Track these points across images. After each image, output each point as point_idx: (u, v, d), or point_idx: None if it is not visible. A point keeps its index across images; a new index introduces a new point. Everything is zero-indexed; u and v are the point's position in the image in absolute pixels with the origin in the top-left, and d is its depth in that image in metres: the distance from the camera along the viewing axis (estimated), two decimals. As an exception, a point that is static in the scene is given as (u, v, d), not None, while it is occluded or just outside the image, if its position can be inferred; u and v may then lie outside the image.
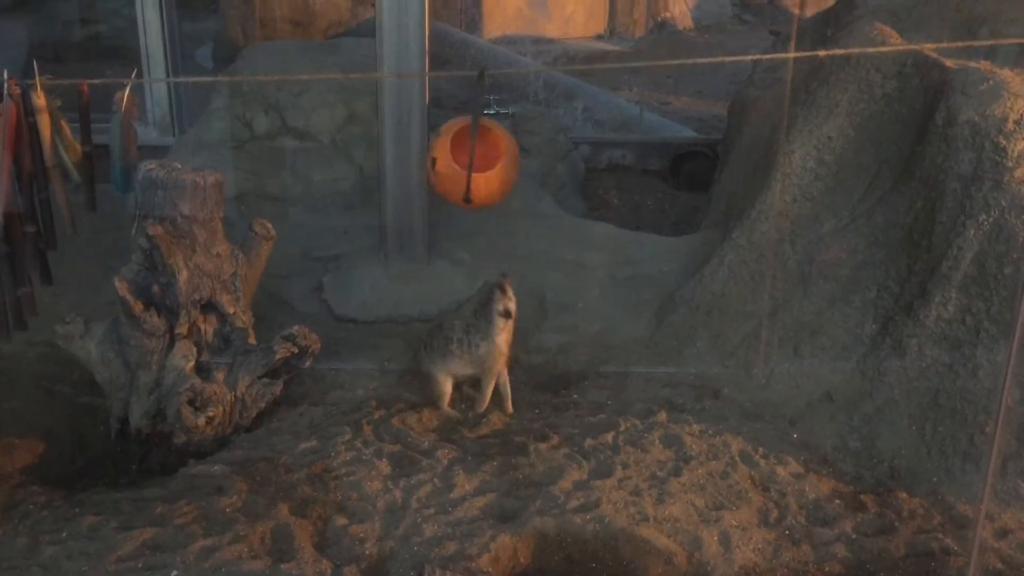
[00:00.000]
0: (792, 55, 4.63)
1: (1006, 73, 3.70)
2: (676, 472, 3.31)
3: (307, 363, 3.70)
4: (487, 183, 3.60)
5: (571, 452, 3.40)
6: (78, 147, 3.43)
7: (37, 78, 3.27)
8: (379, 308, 4.43)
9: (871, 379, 3.65)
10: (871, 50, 3.98)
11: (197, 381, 3.43)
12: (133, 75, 3.47)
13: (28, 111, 3.27)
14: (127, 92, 3.42)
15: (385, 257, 4.64)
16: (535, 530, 3.01)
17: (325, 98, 5.57)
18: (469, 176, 3.54)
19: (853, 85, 4.00)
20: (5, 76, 3.21)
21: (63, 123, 3.38)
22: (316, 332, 3.70)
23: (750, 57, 4.45)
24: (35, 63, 3.33)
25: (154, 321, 3.42)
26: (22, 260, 3.37)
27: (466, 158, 3.53)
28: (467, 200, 3.59)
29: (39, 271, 3.46)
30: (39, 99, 3.29)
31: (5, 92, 3.21)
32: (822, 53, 3.96)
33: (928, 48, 3.85)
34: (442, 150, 3.59)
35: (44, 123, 3.31)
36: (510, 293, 3.58)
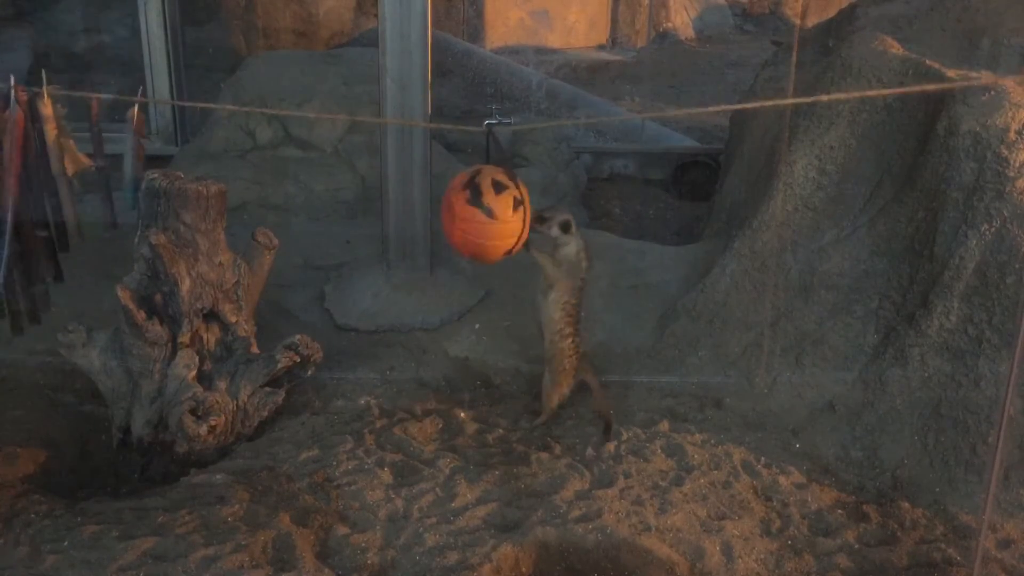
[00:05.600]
0: (792, 101, 4.62)
1: (1007, 83, 3.70)
2: (678, 482, 3.31)
3: (309, 372, 3.71)
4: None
5: (573, 462, 3.39)
6: (82, 159, 3.47)
7: (44, 87, 3.29)
8: (381, 317, 4.43)
9: (873, 389, 3.65)
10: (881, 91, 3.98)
11: (199, 390, 3.44)
12: (140, 92, 3.51)
13: (35, 118, 3.29)
14: (136, 109, 3.47)
15: (387, 266, 4.64)
16: (537, 540, 3.01)
17: (327, 108, 5.59)
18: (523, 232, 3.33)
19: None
20: (12, 82, 3.23)
21: (68, 135, 3.41)
22: (318, 341, 3.70)
23: (749, 103, 4.42)
24: (44, 73, 3.36)
25: (156, 330, 3.42)
26: (35, 259, 3.41)
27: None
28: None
29: (52, 270, 3.50)
30: (46, 108, 3.31)
31: (12, 99, 3.23)
32: (824, 98, 3.91)
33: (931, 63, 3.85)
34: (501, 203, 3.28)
35: (50, 131, 3.34)
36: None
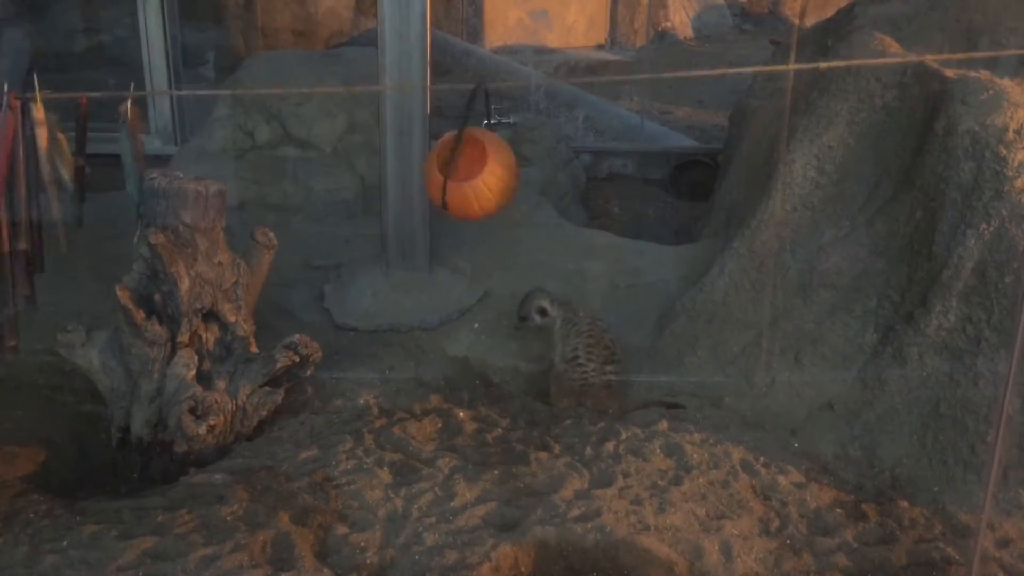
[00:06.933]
0: (793, 67, 4.64)
1: (1006, 83, 3.70)
2: (677, 481, 3.31)
3: (308, 372, 3.71)
4: (459, 191, 3.65)
5: (572, 461, 3.39)
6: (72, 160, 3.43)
7: (37, 91, 3.26)
8: (380, 317, 4.43)
9: (872, 388, 3.65)
10: (874, 61, 3.99)
11: (198, 389, 3.44)
12: (132, 87, 3.48)
13: (27, 124, 3.25)
14: (130, 103, 3.43)
15: (386, 266, 4.64)
16: (536, 539, 3.01)
17: (327, 107, 5.59)
18: (445, 182, 3.63)
19: (853, 95, 4.01)
20: (5, 89, 3.21)
21: (62, 137, 3.37)
22: (317, 341, 3.70)
23: (751, 69, 4.46)
24: (35, 77, 3.32)
25: (156, 330, 3.42)
26: (9, 279, 3.35)
27: (456, 166, 3.64)
28: (443, 205, 3.70)
29: (26, 294, 3.42)
30: (38, 112, 3.27)
31: (4, 105, 3.20)
32: (823, 65, 3.97)
33: (929, 59, 3.86)
34: (431, 159, 3.74)
35: (42, 137, 3.30)
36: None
